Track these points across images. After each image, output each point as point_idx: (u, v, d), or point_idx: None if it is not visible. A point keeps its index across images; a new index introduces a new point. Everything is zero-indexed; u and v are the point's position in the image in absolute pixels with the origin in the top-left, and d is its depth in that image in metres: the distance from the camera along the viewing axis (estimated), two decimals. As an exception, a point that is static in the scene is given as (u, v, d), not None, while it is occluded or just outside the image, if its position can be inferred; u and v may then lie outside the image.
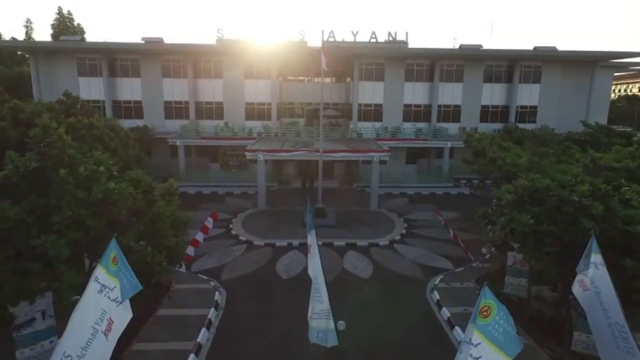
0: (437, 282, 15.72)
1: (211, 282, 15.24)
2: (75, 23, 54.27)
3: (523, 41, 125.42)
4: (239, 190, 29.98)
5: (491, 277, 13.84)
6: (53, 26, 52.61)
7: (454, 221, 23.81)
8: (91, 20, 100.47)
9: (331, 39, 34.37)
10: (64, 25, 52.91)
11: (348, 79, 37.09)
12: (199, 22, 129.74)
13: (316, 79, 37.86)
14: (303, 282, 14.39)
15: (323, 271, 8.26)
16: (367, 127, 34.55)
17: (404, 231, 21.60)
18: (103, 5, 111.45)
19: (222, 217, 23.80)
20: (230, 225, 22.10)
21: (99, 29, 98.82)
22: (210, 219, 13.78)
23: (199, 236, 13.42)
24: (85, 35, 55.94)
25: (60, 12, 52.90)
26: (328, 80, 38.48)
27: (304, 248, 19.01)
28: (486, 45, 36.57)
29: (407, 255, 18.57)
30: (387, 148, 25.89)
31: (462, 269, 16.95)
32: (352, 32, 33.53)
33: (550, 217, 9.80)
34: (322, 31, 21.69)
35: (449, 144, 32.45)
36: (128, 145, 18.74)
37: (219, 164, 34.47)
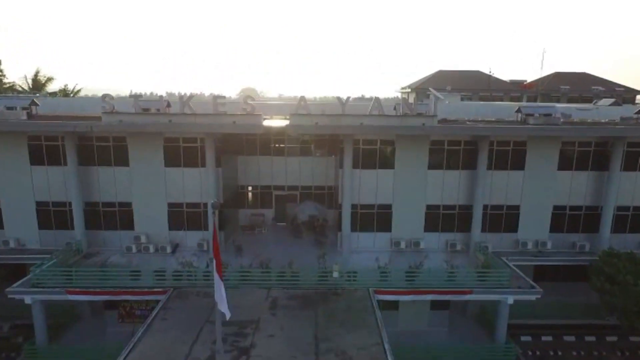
0: None
1: None
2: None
3: (579, 65, 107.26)
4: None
5: None
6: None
7: None
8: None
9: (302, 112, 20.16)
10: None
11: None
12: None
13: (287, 155, 24.66)
14: None
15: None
16: (366, 258, 20.47)
17: None
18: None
19: None
20: None
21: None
22: None
23: None
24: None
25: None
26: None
27: None
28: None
29: None
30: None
31: None
32: (339, 98, 19.31)
33: None
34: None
35: (511, 299, 18.25)
36: None
37: (117, 315, 20.72)
